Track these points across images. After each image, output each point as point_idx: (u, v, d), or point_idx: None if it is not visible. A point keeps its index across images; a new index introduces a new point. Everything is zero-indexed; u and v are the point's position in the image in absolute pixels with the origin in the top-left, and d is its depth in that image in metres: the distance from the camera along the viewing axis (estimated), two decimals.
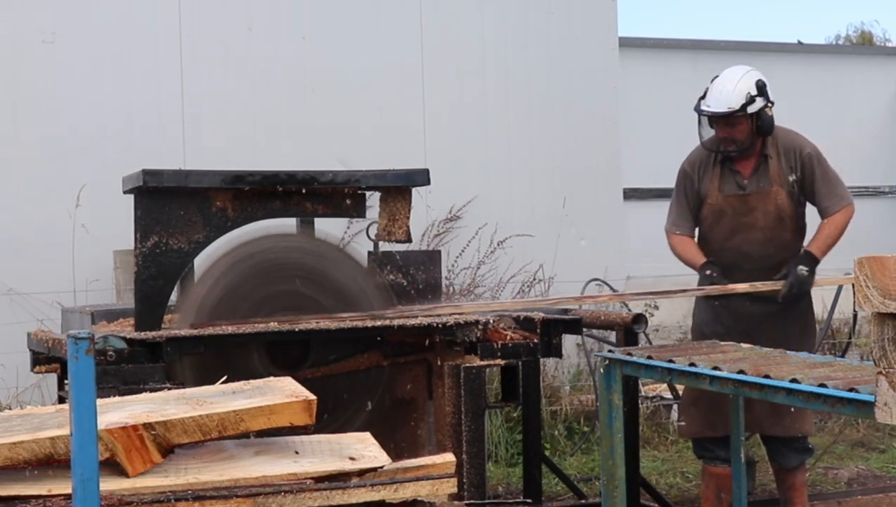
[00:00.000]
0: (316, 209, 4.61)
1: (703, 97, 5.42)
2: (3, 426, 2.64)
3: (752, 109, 5.32)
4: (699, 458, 5.58)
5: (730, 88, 5.36)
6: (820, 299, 10.04)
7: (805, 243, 5.45)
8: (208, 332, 4.17)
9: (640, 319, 4.79)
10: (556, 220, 8.63)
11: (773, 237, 5.38)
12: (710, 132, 5.44)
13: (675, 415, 7.63)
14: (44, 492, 2.42)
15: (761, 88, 5.38)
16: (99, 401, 2.29)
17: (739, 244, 5.40)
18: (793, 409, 5.10)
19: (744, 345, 4.40)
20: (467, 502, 4.18)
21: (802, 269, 5.20)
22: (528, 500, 5.06)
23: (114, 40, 7.74)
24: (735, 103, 5.31)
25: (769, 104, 5.39)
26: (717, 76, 5.45)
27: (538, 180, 8.72)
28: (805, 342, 5.30)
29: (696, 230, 5.57)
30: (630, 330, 4.76)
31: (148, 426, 2.53)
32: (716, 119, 5.36)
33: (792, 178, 5.41)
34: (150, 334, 4.08)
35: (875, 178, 13.20)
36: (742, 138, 5.36)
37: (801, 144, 5.49)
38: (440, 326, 4.36)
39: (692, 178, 5.53)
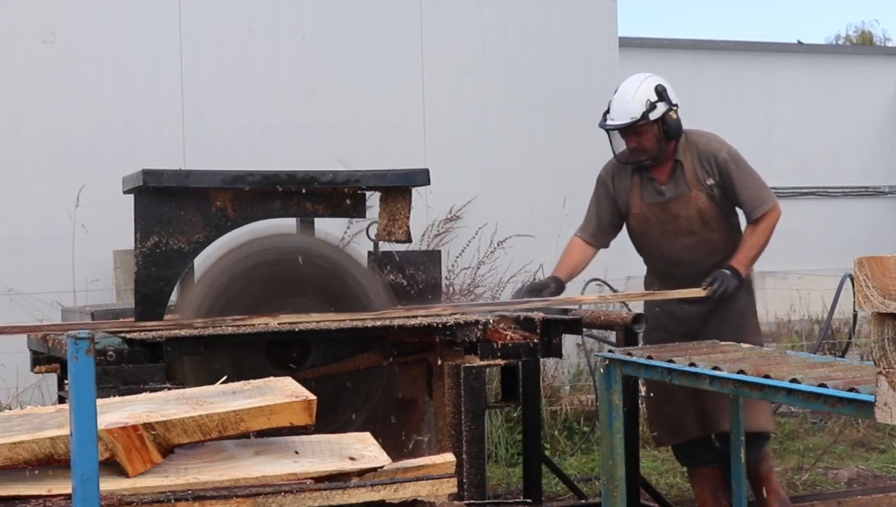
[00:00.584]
0: (316, 209, 4.61)
1: (606, 111, 5.34)
2: (3, 425, 2.64)
3: (654, 115, 5.20)
4: (683, 465, 5.55)
5: (629, 98, 5.25)
6: (820, 299, 10.07)
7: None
8: (208, 332, 4.17)
9: (639, 319, 4.79)
10: (556, 220, 8.62)
11: (702, 241, 5.30)
12: (621, 145, 5.36)
13: None
14: (44, 492, 2.42)
15: (661, 93, 5.25)
16: (99, 401, 2.29)
17: (669, 251, 5.35)
18: (747, 404, 5.07)
19: (744, 345, 4.40)
20: (467, 502, 4.18)
21: (726, 273, 5.10)
22: (528, 500, 5.06)
23: (114, 40, 7.75)
24: (636, 112, 5.20)
25: (673, 107, 5.26)
26: (617, 88, 5.37)
27: (538, 180, 8.72)
28: (747, 340, 5.21)
29: (606, 238, 5.54)
30: (630, 330, 4.75)
31: (148, 426, 2.53)
32: (622, 131, 5.28)
33: (710, 182, 5.29)
34: (150, 334, 4.07)
35: (875, 178, 13.22)
36: (651, 146, 5.26)
37: (717, 148, 5.34)
38: (440, 326, 4.36)
39: (607, 185, 5.49)
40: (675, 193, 5.31)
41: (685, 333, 5.12)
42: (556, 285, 5.30)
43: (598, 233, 5.51)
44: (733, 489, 4.70)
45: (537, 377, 5.20)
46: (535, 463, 5.07)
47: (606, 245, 5.58)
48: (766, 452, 5.42)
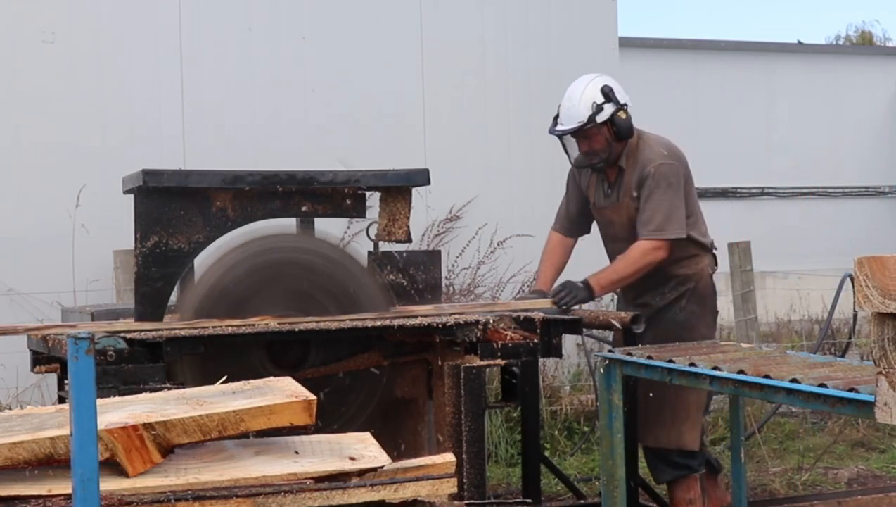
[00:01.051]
0: (316, 209, 4.61)
1: (556, 116, 5.29)
2: (3, 425, 2.64)
3: (601, 117, 5.13)
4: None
5: (576, 102, 5.16)
6: (820, 299, 10.08)
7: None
8: (208, 332, 4.17)
9: (637, 319, 4.79)
10: None
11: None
12: (575, 149, 5.31)
13: None
14: (44, 492, 2.42)
15: (608, 94, 5.16)
16: (99, 401, 2.29)
17: (614, 253, 5.35)
18: (670, 419, 5.09)
19: (744, 345, 4.40)
20: (467, 502, 4.18)
21: (577, 285, 5.05)
22: (528, 500, 5.05)
23: (114, 40, 7.75)
24: (583, 116, 5.13)
25: (621, 107, 5.16)
26: (565, 92, 5.29)
27: (538, 180, 8.71)
28: (698, 331, 5.19)
29: (580, 229, 5.58)
30: (628, 330, 4.75)
31: (148, 426, 2.53)
32: (573, 135, 5.22)
33: (635, 193, 5.21)
34: (150, 334, 4.07)
35: (875, 178, 13.22)
36: (602, 148, 5.19)
37: (650, 160, 5.19)
38: (440, 326, 4.36)
39: (576, 178, 5.52)
40: (614, 199, 5.30)
41: (647, 325, 5.07)
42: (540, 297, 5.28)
43: (571, 225, 5.56)
44: (733, 489, 4.70)
45: (536, 377, 5.19)
46: (533, 463, 5.06)
47: (582, 234, 5.62)
48: (689, 480, 5.21)
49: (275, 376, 3.12)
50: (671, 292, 5.24)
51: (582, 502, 5.55)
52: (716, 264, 5.42)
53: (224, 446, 2.72)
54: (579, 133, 5.18)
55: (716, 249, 5.43)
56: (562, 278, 5.30)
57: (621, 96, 5.18)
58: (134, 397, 2.98)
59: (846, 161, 13.05)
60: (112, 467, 2.50)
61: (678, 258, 5.22)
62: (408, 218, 4.69)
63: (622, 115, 5.15)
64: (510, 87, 8.79)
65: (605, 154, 5.21)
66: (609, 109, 5.14)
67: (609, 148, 5.20)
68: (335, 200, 4.61)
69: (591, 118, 5.12)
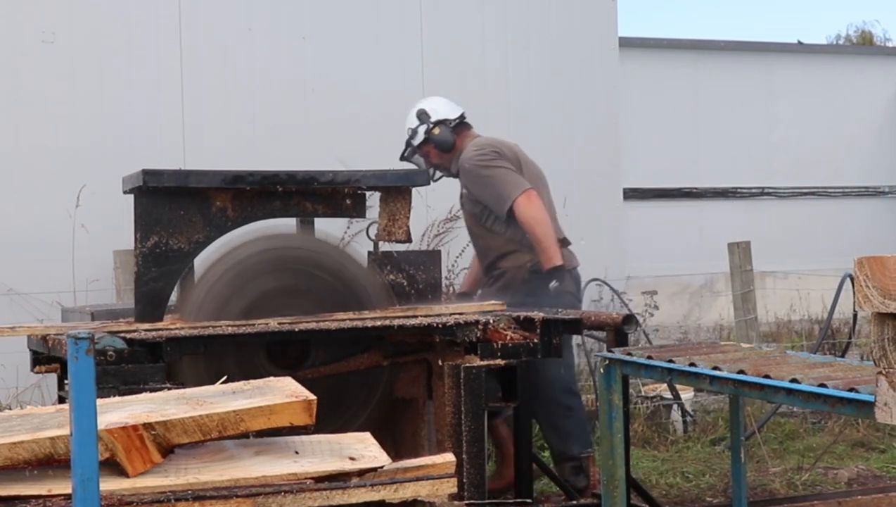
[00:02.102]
0: (316, 209, 4.61)
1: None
2: (3, 425, 2.64)
3: (416, 140, 5.72)
4: None
5: (405, 129, 5.80)
6: (820, 299, 10.07)
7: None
8: (208, 332, 4.17)
9: (629, 320, 4.79)
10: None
11: (488, 246, 5.67)
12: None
13: (674, 415, 7.63)
14: (44, 492, 2.42)
15: (422, 116, 5.71)
16: (99, 401, 2.29)
17: (476, 246, 5.86)
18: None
19: (744, 345, 4.40)
20: (467, 502, 4.18)
21: (554, 284, 5.41)
22: (528, 500, 5.05)
23: (114, 41, 7.75)
24: (406, 141, 5.77)
25: (434, 126, 5.67)
26: None
27: None
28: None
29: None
30: (620, 330, 4.75)
31: (148, 426, 2.53)
32: (419, 156, 5.76)
33: (464, 191, 5.71)
34: (150, 334, 4.07)
35: (875, 178, 13.21)
36: (437, 163, 5.74)
37: (464, 158, 5.66)
38: (440, 326, 4.36)
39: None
40: (461, 203, 5.82)
41: None
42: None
43: None
44: (733, 489, 4.70)
45: (529, 377, 5.19)
46: (525, 463, 5.06)
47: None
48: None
49: (275, 376, 3.12)
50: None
51: (574, 502, 5.54)
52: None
53: (224, 446, 2.72)
54: (413, 156, 5.78)
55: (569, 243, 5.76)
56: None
57: (439, 113, 5.72)
58: (134, 397, 2.98)
59: (846, 161, 13.04)
60: (112, 467, 2.50)
61: (525, 242, 5.55)
62: (408, 218, 4.70)
63: (436, 131, 5.67)
64: (510, 86, 8.79)
65: (445, 167, 5.74)
66: (421, 131, 5.70)
67: (443, 161, 5.73)
68: (335, 200, 4.61)
69: (408, 143, 5.71)
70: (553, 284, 5.40)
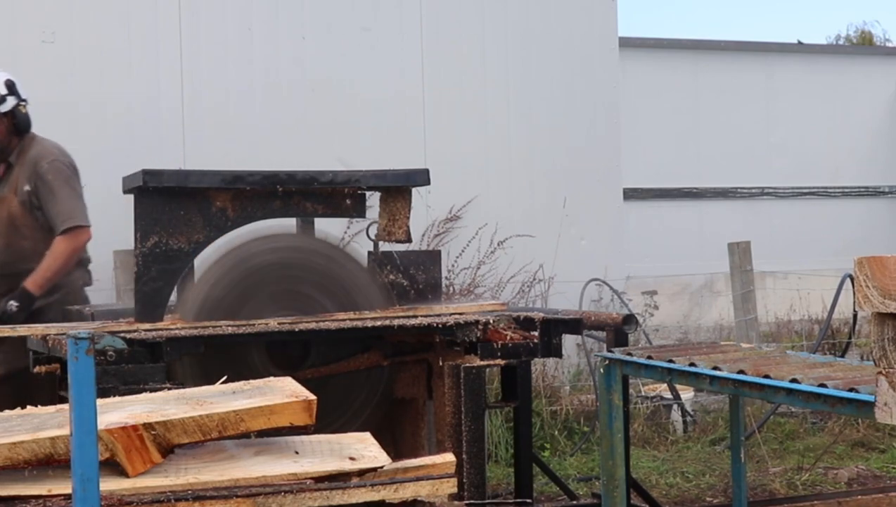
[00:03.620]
0: (316, 209, 4.61)
1: None
2: (3, 425, 2.64)
3: (3, 108, 5.33)
4: None
5: None
6: (820, 299, 10.07)
7: None
8: (208, 332, 4.17)
9: (629, 320, 4.79)
10: (556, 220, 8.63)
11: (10, 245, 5.35)
12: None
13: (674, 415, 7.63)
14: (44, 492, 2.42)
15: (11, 87, 5.38)
16: (99, 401, 2.29)
17: None
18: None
19: (744, 345, 4.40)
20: (467, 502, 4.18)
21: (12, 304, 5.16)
22: (528, 500, 5.05)
23: (114, 40, 7.74)
24: None
25: (21, 102, 5.39)
26: None
27: (538, 180, 8.72)
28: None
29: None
30: (620, 330, 4.75)
31: (148, 426, 2.53)
32: None
33: (27, 188, 5.34)
34: (150, 334, 4.07)
35: (875, 178, 13.22)
36: (2, 139, 5.37)
37: (43, 156, 5.39)
38: (440, 326, 4.36)
39: None
40: (13, 192, 5.38)
41: None
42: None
43: None
44: (734, 489, 4.70)
45: (529, 377, 5.19)
46: (526, 463, 5.06)
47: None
48: None
49: (275, 376, 3.12)
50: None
51: (575, 502, 5.55)
52: (90, 280, 5.57)
53: (224, 446, 2.72)
54: None
55: (90, 262, 5.56)
56: None
57: (22, 92, 5.38)
58: (134, 397, 2.98)
59: (846, 161, 13.04)
60: (112, 467, 2.50)
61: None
62: (408, 218, 4.69)
63: (22, 108, 5.38)
64: (510, 86, 8.79)
65: (3, 144, 5.38)
66: (11, 101, 5.35)
67: (8, 140, 5.39)
68: (335, 200, 4.61)
69: None
70: (12, 303, 5.14)
